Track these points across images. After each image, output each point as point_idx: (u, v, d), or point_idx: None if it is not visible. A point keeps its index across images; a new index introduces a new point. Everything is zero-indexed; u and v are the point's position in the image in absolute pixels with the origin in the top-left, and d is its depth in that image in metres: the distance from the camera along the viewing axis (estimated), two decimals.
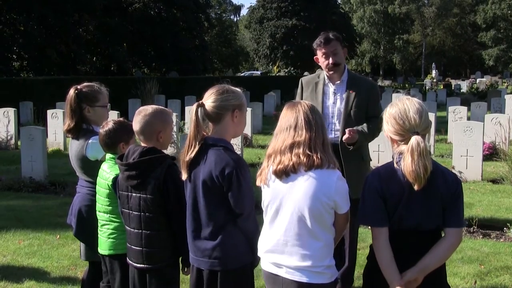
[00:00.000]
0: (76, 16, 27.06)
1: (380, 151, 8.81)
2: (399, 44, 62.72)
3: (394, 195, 2.31)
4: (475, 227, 5.70)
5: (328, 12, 46.04)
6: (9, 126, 12.23)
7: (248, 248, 2.56)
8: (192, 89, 20.28)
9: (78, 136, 3.33)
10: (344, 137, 3.70)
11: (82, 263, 4.64)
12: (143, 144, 2.87)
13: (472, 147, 8.15)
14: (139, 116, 2.85)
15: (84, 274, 3.57)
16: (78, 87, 3.37)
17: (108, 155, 3.12)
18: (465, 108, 12.89)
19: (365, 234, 5.04)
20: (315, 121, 2.42)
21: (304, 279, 2.37)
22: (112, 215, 3.07)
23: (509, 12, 57.44)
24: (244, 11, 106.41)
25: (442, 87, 33.97)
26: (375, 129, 3.86)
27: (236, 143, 9.10)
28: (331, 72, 3.90)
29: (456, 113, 12.49)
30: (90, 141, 3.25)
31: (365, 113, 3.90)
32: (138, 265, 2.86)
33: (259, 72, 44.79)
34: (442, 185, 2.31)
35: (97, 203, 3.15)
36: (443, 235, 2.37)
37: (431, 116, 9.23)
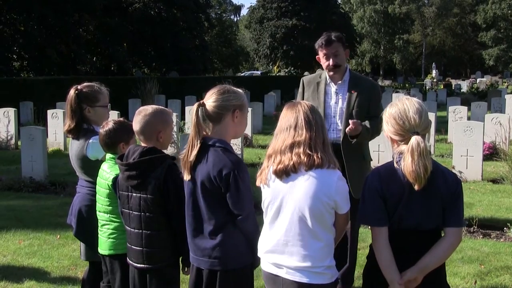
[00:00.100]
0: (76, 16, 27.05)
1: (380, 151, 8.81)
2: (399, 44, 62.70)
3: (394, 195, 2.31)
4: (475, 227, 5.70)
5: (328, 12, 46.04)
6: (9, 126, 12.24)
7: (249, 248, 2.56)
8: (192, 89, 20.29)
9: (78, 136, 3.33)
10: (348, 128, 3.70)
11: (82, 263, 4.64)
12: (143, 144, 2.87)
13: (472, 147, 8.15)
14: (139, 116, 2.85)
15: (84, 274, 3.57)
16: (79, 87, 3.36)
17: (108, 155, 3.12)
18: (465, 108, 12.89)
19: (365, 234, 5.04)
20: (315, 121, 2.42)
21: (304, 280, 2.37)
22: (112, 215, 3.07)
23: (509, 12, 57.43)
24: (244, 11, 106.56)
25: (442, 87, 33.99)
26: (376, 127, 3.87)
27: (236, 143, 9.11)
28: (331, 73, 3.92)
29: (456, 113, 12.49)
30: (90, 140, 3.25)
31: (367, 113, 3.91)
32: (138, 265, 2.86)
33: (259, 72, 44.76)
34: (442, 185, 2.31)
35: (97, 203, 3.15)
36: (442, 234, 2.37)
37: (431, 116, 9.23)
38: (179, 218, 2.72)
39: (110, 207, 3.06)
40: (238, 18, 73.98)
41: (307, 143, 2.37)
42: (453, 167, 8.09)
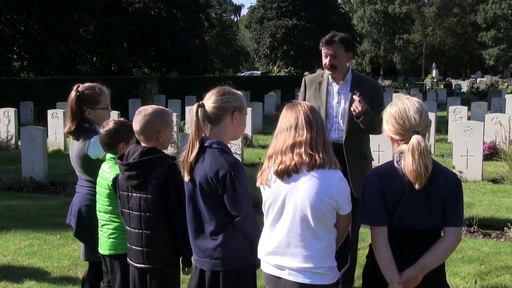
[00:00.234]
0: (76, 16, 27.04)
1: (381, 151, 8.81)
2: (400, 44, 62.69)
3: (394, 194, 2.31)
4: (476, 227, 5.70)
5: (328, 12, 46.04)
6: (10, 126, 12.24)
7: (250, 249, 2.56)
8: (192, 89, 20.28)
9: (79, 136, 3.32)
10: (354, 105, 3.66)
11: (82, 263, 4.64)
12: (143, 144, 2.87)
13: (473, 147, 8.15)
14: (139, 116, 2.85)
15: (85, 274, 3.56)
16: (79, 88, 3.33)
17: (108, 155, 3.12)
18: (465, 108, 12.89)
19: (365, 234, 5.03)
20: (315, 121, 2.42)
21: (306, 281, 2.36)
22: (112, 215, 3.07)
23: (510, 11, 57.43)
24: (244, 11, 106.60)
25: (442, 87, 33.98)
26: (379, 124, 3.82)
27: (236, 143, 9.11)
28: (329, 72, 3.91)
29: (457, 113, 12.49)
30: (92, 139, 3.24)
31: None
32: (139, 265, 2.86)
33: (259, 72, 44.75)
34: (442, 185, 2.31)
35: (97, 203, 3.15)
36: (442, 234, 2.37)
37: (432, 116, 9.24)
38: (180, 218, 2.72)
39: (110, 207, 3.06)
40: (238, 18, 74.03)
41: (308, 143, 2.37)
42: (453, 167, 8.08)
